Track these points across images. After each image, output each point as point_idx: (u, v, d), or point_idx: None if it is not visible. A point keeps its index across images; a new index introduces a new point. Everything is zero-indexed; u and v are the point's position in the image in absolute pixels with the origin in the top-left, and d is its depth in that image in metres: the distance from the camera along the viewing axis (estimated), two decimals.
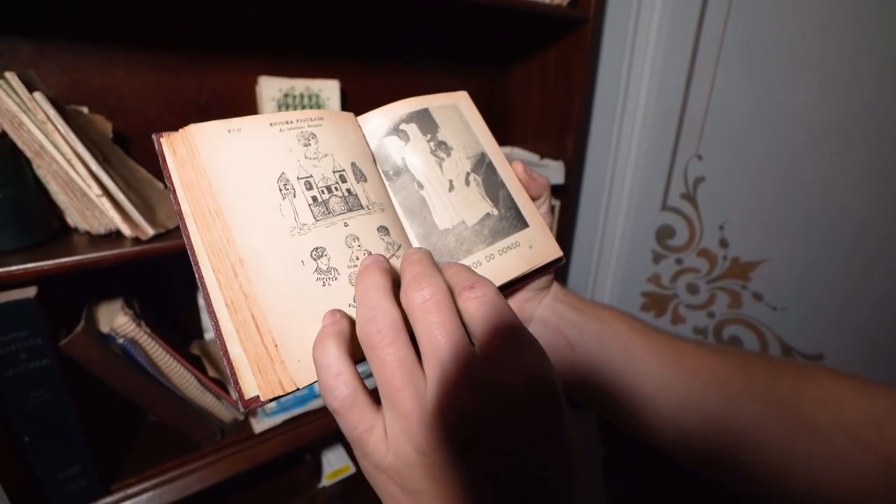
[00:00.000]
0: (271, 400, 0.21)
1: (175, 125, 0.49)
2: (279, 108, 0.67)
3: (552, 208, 0.82)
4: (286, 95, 0.67)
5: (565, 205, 0.86)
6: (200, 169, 0.23)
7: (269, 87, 0.66)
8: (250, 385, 0.21)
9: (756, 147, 0.85)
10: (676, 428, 0.36)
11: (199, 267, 0.22)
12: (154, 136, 0.24)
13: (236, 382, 0.21)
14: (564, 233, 0.90)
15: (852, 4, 0.69)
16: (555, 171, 0.82)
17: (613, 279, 1.13)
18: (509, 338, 0.21)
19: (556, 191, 0.85)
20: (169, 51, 0.60)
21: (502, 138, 0.97)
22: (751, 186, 0.87)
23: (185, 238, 0.22)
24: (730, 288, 0.94)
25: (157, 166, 0.57)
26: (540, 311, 0.37)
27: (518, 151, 0.94)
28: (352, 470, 0.80)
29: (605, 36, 0.99)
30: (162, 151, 0.23)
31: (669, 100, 0.93)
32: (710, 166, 0.92)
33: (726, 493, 0.36)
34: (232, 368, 0.21)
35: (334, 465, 0.80)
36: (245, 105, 0.67)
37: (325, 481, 0.77)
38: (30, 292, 0.42)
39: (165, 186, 0.58)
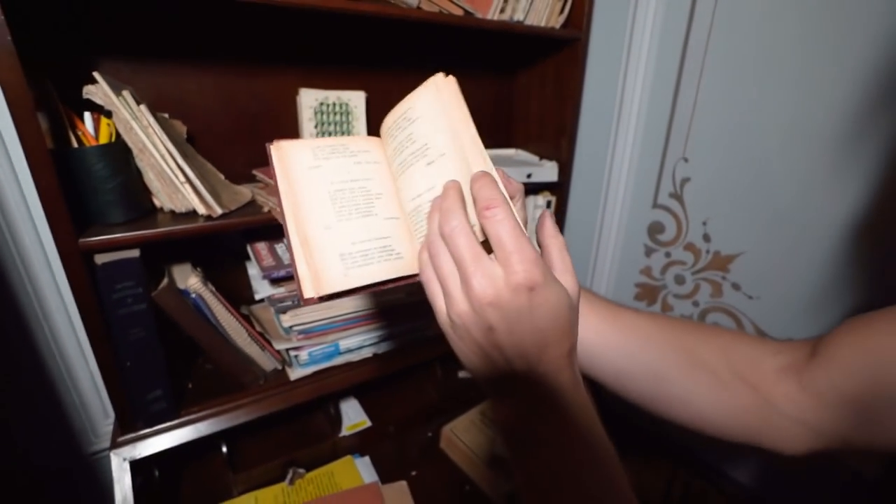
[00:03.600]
0: (321, 299, 0.34)
1: (231, 128, 0.66)
2: (315, 114, 0.81)
3: (548, 203, 0.94)
4: (321, 104, 0.81)
5: (559, 199, 0.98)
6: (287, 167, 0.36)
7: (308, 97, 0.80)
8: (308, 290, 0.34)
9: (735, 150, 0.94)
10: (616, 370, 0.49)
11: (285, 222, 0.35)
12: (266, 145, 0.37)
13: (301, 290, 0.34)
14: (558, 223, 1.02)
15: (813, 28, 0.79)
16: (550, 171, 0.93)
17: (610, 271, 1.24)
18: (507, 253, 0.29)
19: (551, 187, 0.96)
20: (227, 68, 0.75)
21: (508, 140, 1.09)
22: (730, 186, 0.96)
23: (279, 204, 0.36)
24: (712, 279, 1.04)
25: (217, 160, 0.72)
26: None
27: (522, 153, 1.06)
28: (367, 424, 0.93)
29: (603, 51, 1.10)
30: (270, 154, 0.37)
31: (659, 108, 1.04)
32: (695, 168, 1.02)
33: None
34: (298, 280, 0.34)
35: (353, 419, 0.94)
36: (287, 112, 0.81)
37: (345, 432, 0.91)
38: (135, 253, 0.57)
39: (225, 178, 0.72)
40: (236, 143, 0.78)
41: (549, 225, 0.35)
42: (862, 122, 0.76)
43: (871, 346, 0.36)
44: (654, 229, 1.12)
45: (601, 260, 1.24)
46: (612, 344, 0.47)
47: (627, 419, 0.90)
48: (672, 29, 0.98)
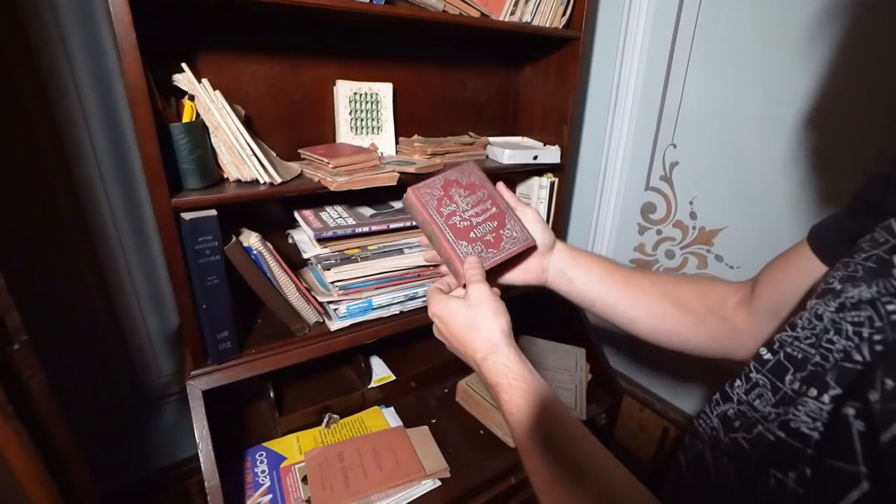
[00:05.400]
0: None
1: (278, 114, 0.79)
2: (350, 103, 0.93)
3: (552, 183, 1.05)
4: (355, 94, 0.93)
5: (562, 180, 1.10)
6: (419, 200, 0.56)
7: (344, 88, 0.92)
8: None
9: (717, 136, 1.06)
10: (621, 311, 0.64)
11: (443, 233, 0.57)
12: (409, 188, 0.58)
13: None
14: (562, 203, 1.14)
15: (785, 26, 0.91)
16: (553, 153, 1.05)
17: (607, 249, 1.36)
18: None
19: (553, 169, 1.09)
20: (275, 63, 0.87)
21: (514, 128, 1.22)
22: (713, 168, 1.09)
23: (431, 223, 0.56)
24: (698, 252, 1.16)
25: (266, 141, 0.84)
26: (552, 263, 0.66)
27: (527, 140, 1.18)
28: (392, 378, 1.05)
29: (599, 48, 1.23)
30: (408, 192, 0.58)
31: (650, 99, 1.16)
32: (683, 152, 1.14)
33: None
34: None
35: (379, 374, 1.06)
36: (325, 100, 0.93)
37: (373, 384, 1.03)
38: (213, 212, 0.69)
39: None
40: (282, 127, 0.90)
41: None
42: (820, 111, 0.88)
43: (777, 278, 0.53)
44: (647, 209, 1.24)
45: (599, 238, 1.36)
46: (623, 299, 0.64)
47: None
48: (661, 29, 1.10)
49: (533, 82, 1.13)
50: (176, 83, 0.69)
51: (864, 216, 0.43)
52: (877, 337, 0.31)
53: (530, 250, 0.63)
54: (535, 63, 1.12)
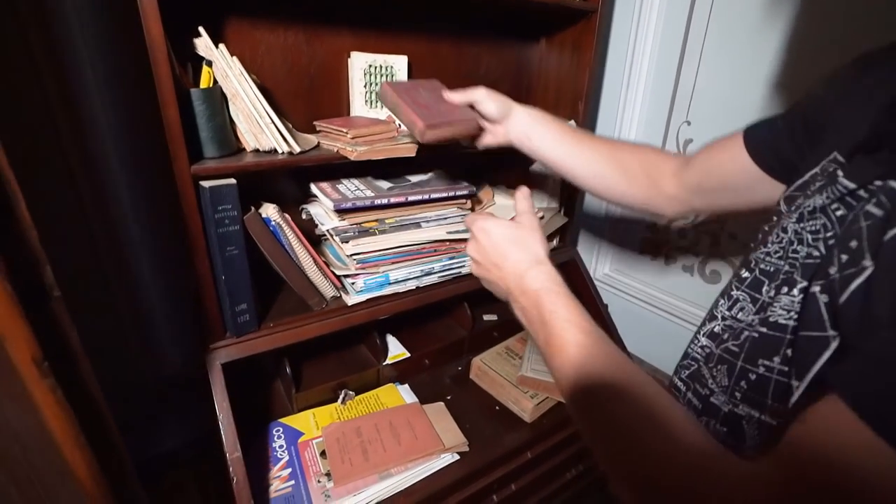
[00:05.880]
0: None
1: (293, 86, 0.77)
2: (365, 75, 0.91)
3: None
4: (370, 66, 0.91)
5: None
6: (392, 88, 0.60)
7: (358, 60, 0.90)
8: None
9: (733, 113, 1.05)
10: (568, 167, 0.75)
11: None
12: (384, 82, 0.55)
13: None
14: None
15: (798, 8, 0.90)
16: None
17: (618, 228, 1.35)
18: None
19: None
20: (290, 34, 0.85)
21: (528, 103, 1.20)
22: None
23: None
24: (711, 230, 1.16)
25: (281, 113, 0.82)
26: (513, 126, 0.76)
27: None
28: (406, 355, 1.05)
29: (614, 24, 1.21)
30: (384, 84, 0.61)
31: (665, 76, 1.15)
32: (697, 130, 1.13)
33: None
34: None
35: (393, 351, 1.06)
36: (339, 72, 0.91)
37: (388, 361, 1.03)
38: (232, 181, 0.68)
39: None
40: (297, 99, 0.88)
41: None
42: None
43: (712, 158, 0.62)
44: None
45: (610, 216, 1.36)
46: (573, 158, 0.74)
47: None
48: (677, 2, 1.08)
49: (548, 58, 1.12)
50: (195, 49, 0.67)
51: (800, 136, 0.50)
52: (828, 234, 0.38)
53: (490, 122, 0.76)
54: (551, 38, 1.10)
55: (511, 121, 0.76)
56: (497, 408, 1.00)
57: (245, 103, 0.70)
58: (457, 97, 0.76)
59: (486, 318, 1.20)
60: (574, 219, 1.19)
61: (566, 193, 1.14)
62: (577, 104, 1.06)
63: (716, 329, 0.48)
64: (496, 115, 0.75)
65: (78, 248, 0.83)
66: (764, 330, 0.40)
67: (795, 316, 0.38)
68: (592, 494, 1.27)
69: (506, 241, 0.54)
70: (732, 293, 0.47)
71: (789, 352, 0.37)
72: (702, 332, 0.50)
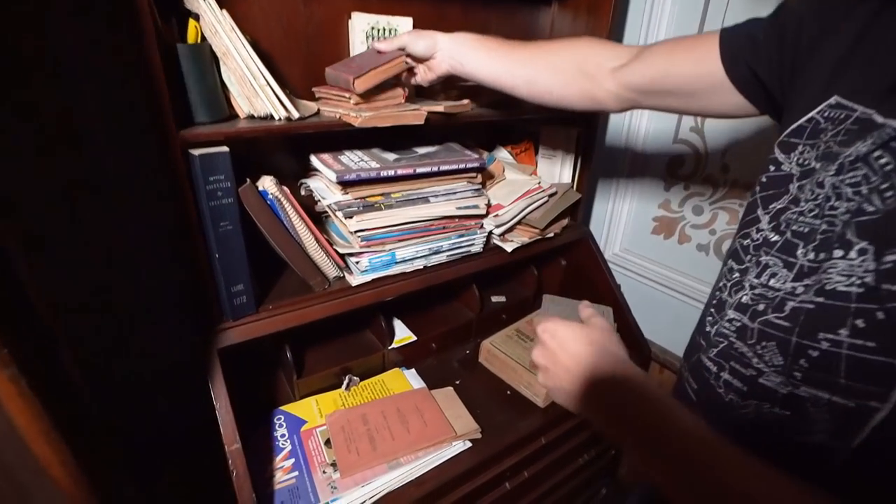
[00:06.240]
0: None
1: (289, 49, 0.70)
2: (367, 38, 0.84)
3: (578, 134, 0.99)
4: (372, 28, 0.84)
5: (589, 131, 1.03)
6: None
7: (360, 21, 0.83)
8: None
9: None
10: (503, 81, 0.73)
11: None
12: None
13: None
14: (589, 156, 1.07)
15: None
16: None
17: (630, 206, 1.30)
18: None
19: (582, 116, 1.01)
20: None
21: None
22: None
23: None
24: (729, 207, 1.10)
25: (277, 78, 0.76)
26: (442, 58, 0.73)
27: None
28: (412, 339, 1.00)
29: None
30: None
31: None
32: None
33: None
34: None
35: (399, 335, 1.01)
36: (339, 35, 0.84)
37: (394, 345, 0.98)
38: (224, 149, 0.61)
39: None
40: (294, 65, 0.81)
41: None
42: None
43: (675, 58, 0.58)
44: (675, 163, 1.18)
45: (621, 196, 1.30)
46: (504, 71, 0.72)
47: None
48: None
49: (560, 23, 1.05)
50: (183, 3, 0.60)
51: (777, 59, 0.47)
52: (883, 186, 0.34)
53: (424, 61, 0.75)
54: (564, 2, 1.03)
55: (440, 54, 0.73)
56: (508, 392, 0.96)
57: (237, 63, 0.63)
58: (384, 45, 0.74)
59: (495, 299, 1.15)
60: (587, 195, 1.13)
61: (579, 167, 1.08)
62: None
63: (743, 300, 0.44)
64: (425, 52, 0.73)
65: (56, 223, 0.76)
66: (820, 300, 0.36)
67: (859, 282, 0.34)
68: (603, 478, 1.25)
69: (578, 343, 0.48)
70: (761, 259, 0.43)
71: (860, 322, 0.34)
72: (725, 307, 0.46)
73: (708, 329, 0.50)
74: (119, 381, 0.89)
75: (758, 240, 0.45)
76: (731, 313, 0.45)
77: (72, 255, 0.78)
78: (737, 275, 0.47)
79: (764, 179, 0.46)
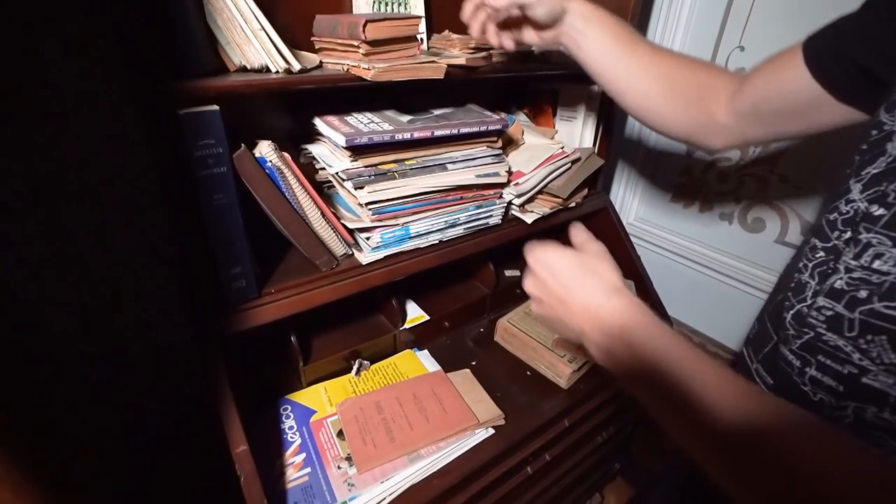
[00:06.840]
0: None
1: (290, 18, 0.57)
2: (374, 6, 0.73)
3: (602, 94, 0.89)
4: None
5: None
6: None
7: None
8: None
9: (797, 38, 0.91)
10: (614, 83, 0.65)
11: None
12: None
13: None
14: (609, 116, 0.99)
15: None
16: None
17: (648, 172, 1.22)
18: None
19: None
20: None
21: None
22: None
23: None
24: (758, 174, 1.03)
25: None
26: (563, 30, 0.63)
27: None
28: (424, 318, 0.93)
29: None
30: None
31: None
32: (752, 58, 0.98)
33: None
34: None
35: (411, 314, 0.94)
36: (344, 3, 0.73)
37: (406, 325, 0.91)
38: (214, 107, 0.52)
39: None
40: (289, 12, 0.70)
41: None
42: None
43: (768, 79, 0.54)
44: None
45: (642, 162, 1.23)
46: (619, 72, 0.63)
47: None
48: None
49: None
50: None
51: (855, 45, 0.44)
52: None
53: (538, 28, 0.64)
54: None
55: (564, 25, 0.63)
56: (528, 373, 0.91)
57: (223, 2, 0.52)
58: (498, 2, 0.60)
59: (509, 273, 1.08)
60: (609, 161, 1.05)
61: (601, 130, 1.00)
62: None
63: (837, 284, 0.38)
64: (547, 19, 0.62)
65: (31, 206, 0.66)
66: None
67: None
68: (618, 456, 1.23)
69: (570, 271, 0.46)
70: (860, 237, 0.37)
71: None
72: (813, 292, 0.41)
73: (785, 315, 0.43)
74: (99, 370, 0.81)
75: (848, 212, 0.39)
76: (820, 300, 0.40)
77: (40, 228, 0.68)
78: (821, 254, 0.41)
79: (864, 146, 0.40)
